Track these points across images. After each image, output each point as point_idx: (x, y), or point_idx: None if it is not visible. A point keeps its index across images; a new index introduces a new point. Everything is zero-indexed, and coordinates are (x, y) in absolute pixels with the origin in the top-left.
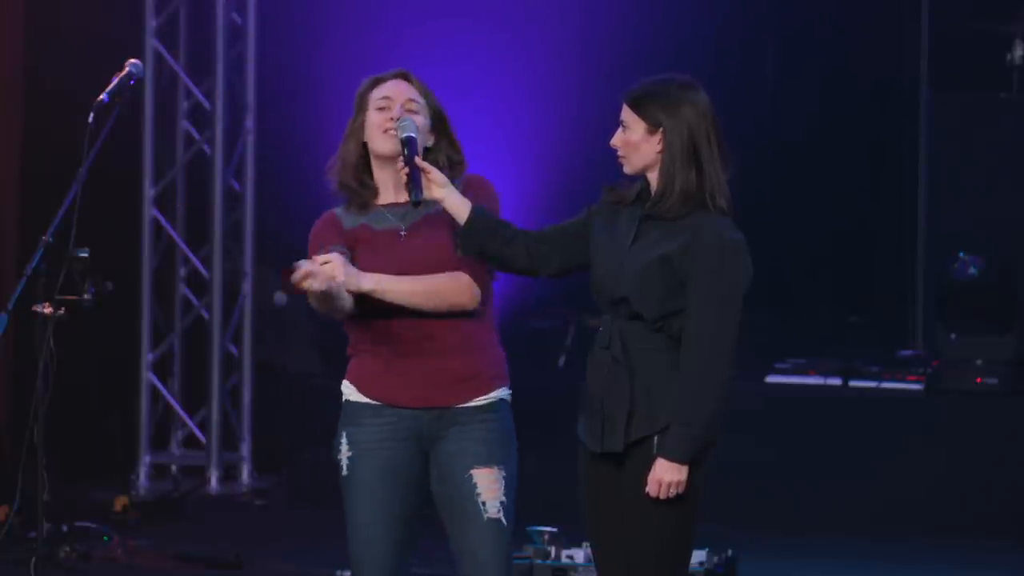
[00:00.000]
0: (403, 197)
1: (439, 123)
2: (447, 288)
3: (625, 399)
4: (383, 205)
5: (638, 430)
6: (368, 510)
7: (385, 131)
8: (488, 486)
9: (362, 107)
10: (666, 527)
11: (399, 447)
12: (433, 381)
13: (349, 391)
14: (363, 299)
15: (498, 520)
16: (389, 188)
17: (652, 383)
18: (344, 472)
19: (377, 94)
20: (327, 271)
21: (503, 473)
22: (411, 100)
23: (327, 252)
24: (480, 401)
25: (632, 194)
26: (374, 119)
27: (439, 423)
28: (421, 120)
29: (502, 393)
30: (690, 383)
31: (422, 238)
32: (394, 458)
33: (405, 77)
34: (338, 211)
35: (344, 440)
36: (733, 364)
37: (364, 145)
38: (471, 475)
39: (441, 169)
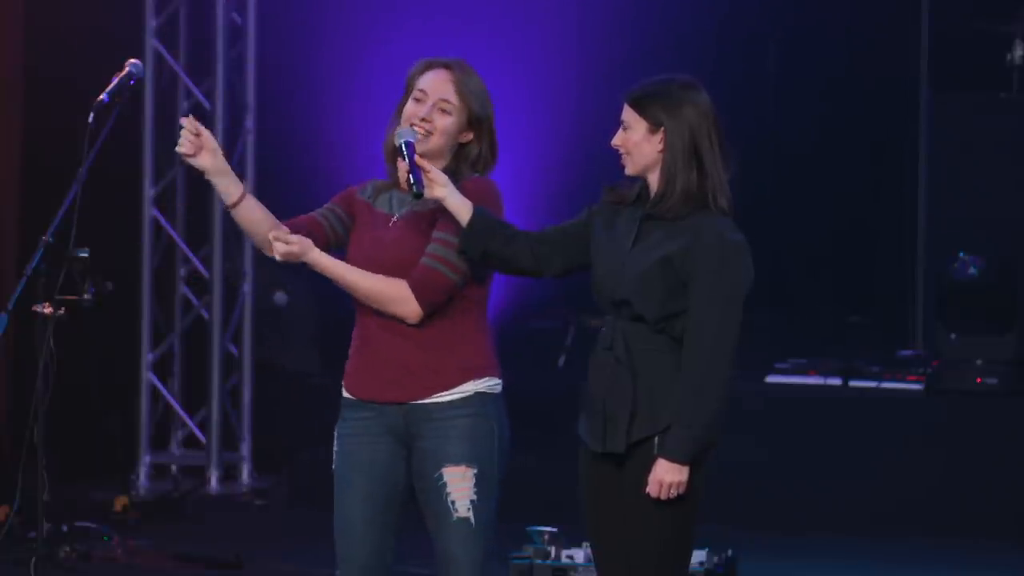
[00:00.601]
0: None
1: (477, 123)
2: (386, 296)
3: (627, 400)
4: (401, 188)
5: (640, 431)
6: (350, 505)
7: (411, 125)
8: (457, 485)
9: (407, 90)
10: (666, 527)
11: (378, 442)
12: (392, 377)
13: (343, 386)
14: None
15: (467, 520)
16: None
17: (654, 384)
18: (334, 467)
19: (419, 82)
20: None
21: (474, 471)
22: (444, 100)
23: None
24: (448, 396)
25: (632, 195)
26: (407, 108)
27: (411, 419)
28: (449, 121)
29: (478, 386)
30: (691, 384)
31: (406, 229)
32: (374, 453)
33: (449, 70)
34: (375, 180)
35: (336, 434)
36: (734, 365)
37: None
38: (441, 473)
39: (466, 163)
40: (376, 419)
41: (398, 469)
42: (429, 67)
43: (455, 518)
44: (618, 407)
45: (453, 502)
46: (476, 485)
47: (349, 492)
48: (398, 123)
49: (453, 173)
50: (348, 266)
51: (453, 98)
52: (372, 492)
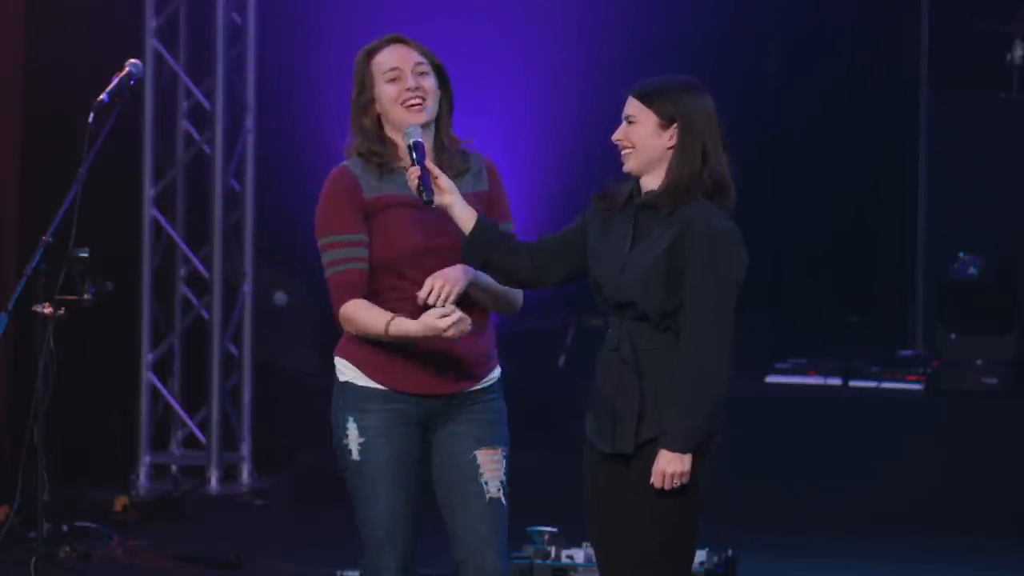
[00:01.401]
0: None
1: (440, 76)
2: (514, 295)
3: (635, 401)
4: (403, 167)
5: (648, 431)
6: (389, 497)
7: (403, 102)
8: (491, 467)
9: (367, 82)
10: (670, 525)
11: (408, 432)
12: (442, 368)
13: (352, 373)
14: (374, 279)
15: (499, 499)
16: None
17: (660, 383)
18: (355, 457)
19: (382, 65)
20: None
21: (504, 453)
22: (418, 64)
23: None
24: (483, 384)
25: (623, 197)
26: (389, 92)
27: (444, 408)
28: (431, 80)
29: (497, 373)
30: (688, 375)
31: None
32: (404, 443)
33: (402, 41)
34: (354, 169)
35: (352, 426)
36: (731, 353)
37: (378, 117)
38: (474, 456)
39: (443, 114)
40: (406, 410)
41: (420, 456)
42: (376, 51)
43: (488, 498)
44: (626, 408)
45: (487, 482)
46: (505, 467)
47: (385, 481)
48: (364, 120)
49: (436, 124)
50: (486, 278)
51: (422, 59)
52: (404, 479)
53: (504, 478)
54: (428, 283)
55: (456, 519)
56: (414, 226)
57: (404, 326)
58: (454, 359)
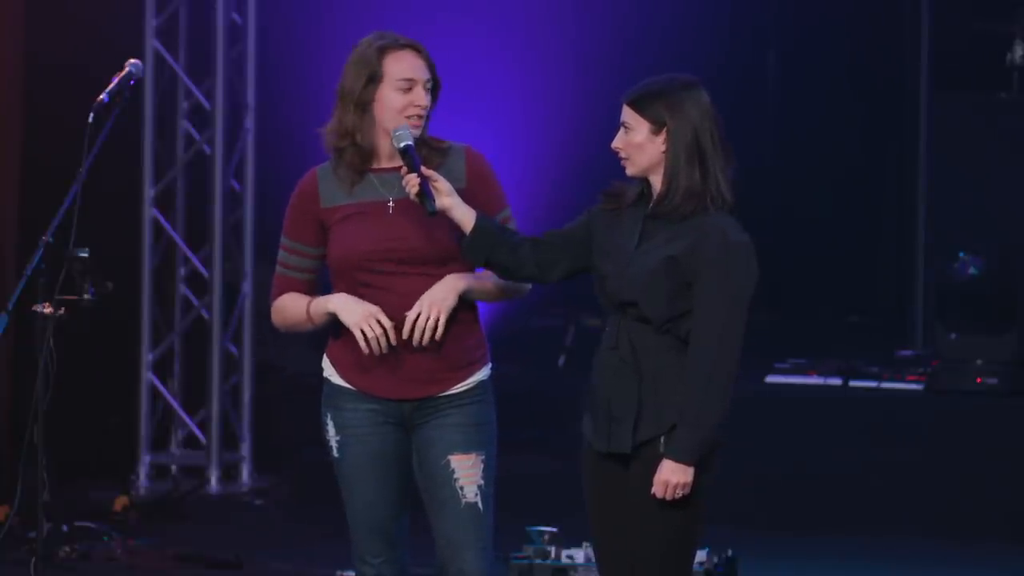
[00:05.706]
0: (395, 163)
1: (437, 91)
2: (520, 287)
3: (633, 400)
4: (374, 169)
5: (645, 431)
6: (366, 490)
7: (407, 115)
8: (466, 472)
9: (374, 77)
10: (671, 528)
11: (384, 431)
12: (410, 375)
13: (329, 371)
14: (345, 283)
15: (475, 505)
16: (384, 154)
17: (659, 384)
18: (335, 454)
19: (396, 71)
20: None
21: (482, 458)
22: (427, 81)
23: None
24: (458, 388)
25: (632, 196)
26: (395, 102)
27: (418, 412)
28: (429, 99)
29: (481, 376)
30: (697, 385)
31: (409, 214)
32: (381, 443)
33: (417, 51)
34: (320, 177)
35: (330, 422)
36: (739, 365)
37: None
38: (448, 461)
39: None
40: (380, 410)
41: (403, 451)
42: (389, 51)
43: (464, 504)
44: (623, 407)
45: (462, 488)
46: (483, 471)
47: (360, 479)
48: (354, 114)
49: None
50: (480, 279)
51: (430, 75)
52: (381, 475)
53: (482, 482)
54: (413, 313)
55: (435, 524)
56: (366, 232)
57: (322, 304)
58: (420, 365)
